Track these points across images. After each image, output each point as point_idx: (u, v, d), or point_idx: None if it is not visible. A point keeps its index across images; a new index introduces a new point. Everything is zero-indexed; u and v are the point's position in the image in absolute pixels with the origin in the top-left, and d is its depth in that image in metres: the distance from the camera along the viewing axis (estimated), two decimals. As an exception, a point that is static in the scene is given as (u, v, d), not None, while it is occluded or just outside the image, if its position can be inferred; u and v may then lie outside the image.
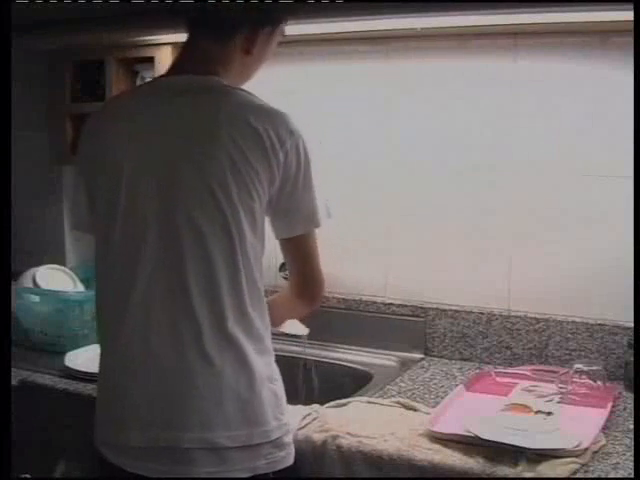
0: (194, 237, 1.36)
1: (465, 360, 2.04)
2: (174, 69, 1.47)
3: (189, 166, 1.36)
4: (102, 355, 1.48)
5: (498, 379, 1.85)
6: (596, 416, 1.58)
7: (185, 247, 1.36)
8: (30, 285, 2.24)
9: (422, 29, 1.88)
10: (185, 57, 1.47)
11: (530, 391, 1.75)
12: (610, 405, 1.64)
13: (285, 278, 2.07)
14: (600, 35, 1.84)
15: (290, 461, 1.45)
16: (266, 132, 1.36)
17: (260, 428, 1.39)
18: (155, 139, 1.39)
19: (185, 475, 1.37)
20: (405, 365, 2.03)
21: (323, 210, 1.46)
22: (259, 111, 1.39)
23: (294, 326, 1.92)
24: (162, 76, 1.50)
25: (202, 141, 1.37)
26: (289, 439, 1.46)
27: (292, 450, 1.46)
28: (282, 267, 2.07)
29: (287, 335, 1.92)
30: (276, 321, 1.57)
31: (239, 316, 1.38)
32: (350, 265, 2.18)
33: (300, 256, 1.49)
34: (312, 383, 2.06)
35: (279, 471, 1.43)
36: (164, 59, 2.12)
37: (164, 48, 2.11)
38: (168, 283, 1.37)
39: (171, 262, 1.37)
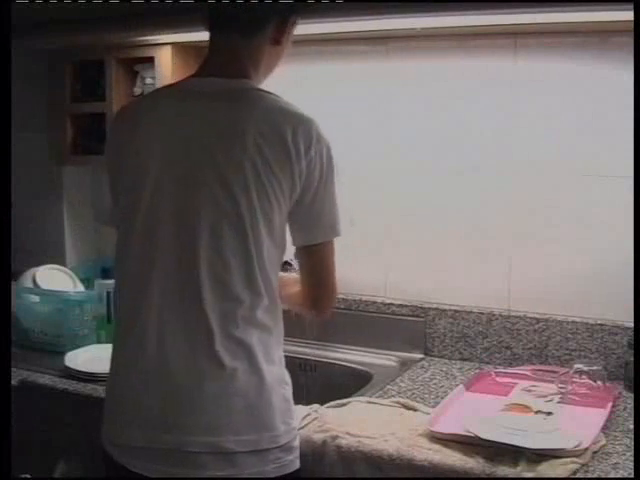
0: (210, 240, 1.36)
1: (465, 360, 2.04)
2: (204, 69, 1.45)
3: (212, 171, 1.36)
4: (114, 353, 1.47)
5: (498, 379, 1.85)
6: (596, 416, 1.58)
7: (200, 249, 1.36)
8: (30, 285, 2.24)
9: (422, 29, 1.88)
10: (214, 58, 1.45)
11: (530, 391, 1.75)
12: (610, 405, 1.64)
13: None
14: (600, 35, 1.84)
15: (297, 465, 1.44)
16: (292, 139, 1.35)
17: (269, 433, 1.38)
18: (182, 142, 1.39)
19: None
20: (405, 365, 2.03)
21: (344, 219, 1.44)
22: (287, 117, 1.38)
23: None
24: (192, 76, 1.47)
25: (228, 147, 1.36)
26: (297, 443, 1.45)
27: (298, 453, 1.45)
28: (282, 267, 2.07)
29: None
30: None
31: (252, 320, 1.37)
32: (350, 265, 2.17)
33: (316, 265, 1.47)
34: (312, 383, 2.06)
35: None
36: (164, 59, 2.12)
37: (164, 48, 2.12)
38: (182, 285, 1.37)
39: (186, 264, 1.37)
